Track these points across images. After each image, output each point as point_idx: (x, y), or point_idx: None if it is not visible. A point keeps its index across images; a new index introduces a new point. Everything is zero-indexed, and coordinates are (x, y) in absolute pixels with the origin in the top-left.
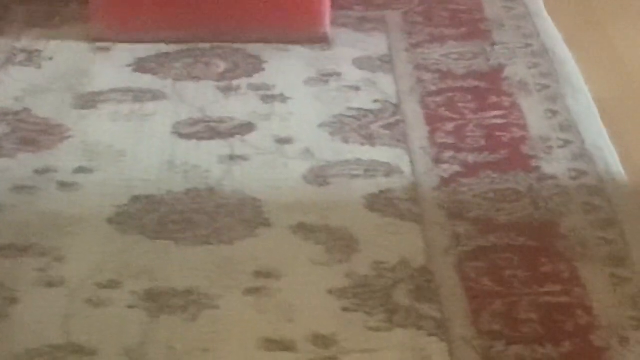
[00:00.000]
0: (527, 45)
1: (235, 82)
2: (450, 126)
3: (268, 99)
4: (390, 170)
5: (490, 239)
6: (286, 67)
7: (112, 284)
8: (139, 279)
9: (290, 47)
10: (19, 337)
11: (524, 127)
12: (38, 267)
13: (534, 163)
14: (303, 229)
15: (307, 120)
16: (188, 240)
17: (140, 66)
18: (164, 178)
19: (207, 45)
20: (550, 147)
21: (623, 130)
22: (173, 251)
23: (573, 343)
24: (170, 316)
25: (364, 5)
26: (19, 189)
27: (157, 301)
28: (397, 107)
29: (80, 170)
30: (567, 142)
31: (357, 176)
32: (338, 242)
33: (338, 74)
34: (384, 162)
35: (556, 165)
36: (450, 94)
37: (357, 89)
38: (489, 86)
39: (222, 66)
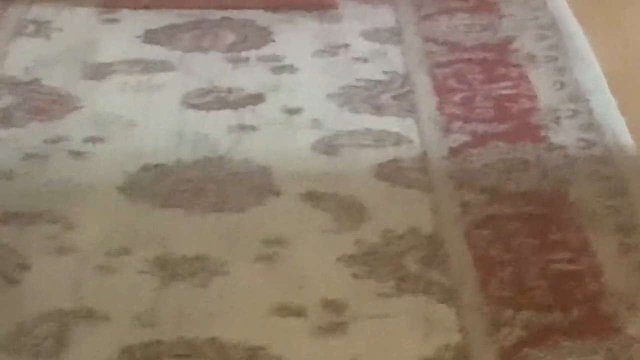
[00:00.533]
0: (536, 18)
1: (244, 54)
2: (458, 97)
3: (277, 70)
4: (399, 140)
5: (498, 207)
6: (295, 39)
7: (123, 251)
8: (149, 246)
9: (299, 19)
10: (31, 302)
11: (532, 98)
12: (49, 234)
13: (542, 133)
14: (312, 198)
15: (316, 91)
16: (198, 208)
17: (150, 37)
18: (174, 147)
19: (215, 17)
20: (559, 118)
21: (631, 103)
22: (183, 219)
23: (582, 310)
24: (181, 282)
25: None
26: (30, 157)
27: (168, 268)
28: (406, 78)
29: (91, 139)
30: (575, 113)
31: (366, 146)
32: (347, 211)
33: (347, 46)
34: (393, 132)
35: (565, 135)
36: (458, 66)
37: (365, 60)
38: (497, 58)
39: (230, 38)
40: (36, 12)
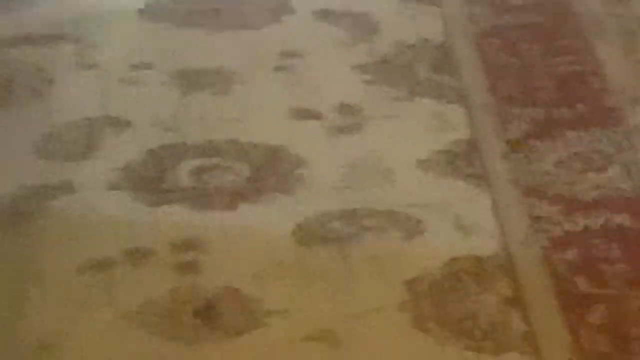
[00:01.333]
0: None
1: None
2: None
3: None
4: None
5: (505, 18)
6: None
7: (145, 66)
8: (170, 60)
9: None
10: (59, 112)
11: None
12: (73, 52)
13: None
14: (326, 15)
15: None
16: (216, 27)
17: None
18: None
19: None
20: None
21: None
22: (202, 37)
23: (586, 104)
24: (201, 91)
25: None
26: None
27: (188, 79)
28: None
29: None
30: None
31: None
32: (360, 25)
33: None
34: None
35: None
36: None
37: None
38: None
39: None
40: None
